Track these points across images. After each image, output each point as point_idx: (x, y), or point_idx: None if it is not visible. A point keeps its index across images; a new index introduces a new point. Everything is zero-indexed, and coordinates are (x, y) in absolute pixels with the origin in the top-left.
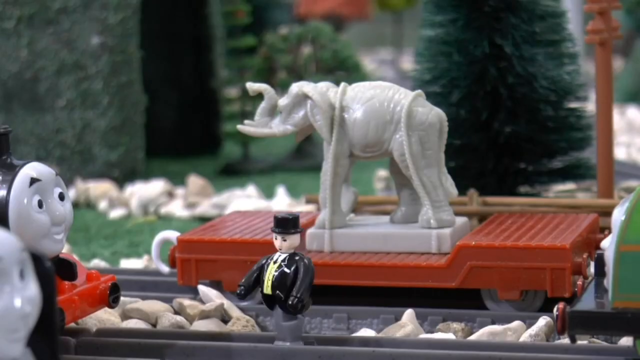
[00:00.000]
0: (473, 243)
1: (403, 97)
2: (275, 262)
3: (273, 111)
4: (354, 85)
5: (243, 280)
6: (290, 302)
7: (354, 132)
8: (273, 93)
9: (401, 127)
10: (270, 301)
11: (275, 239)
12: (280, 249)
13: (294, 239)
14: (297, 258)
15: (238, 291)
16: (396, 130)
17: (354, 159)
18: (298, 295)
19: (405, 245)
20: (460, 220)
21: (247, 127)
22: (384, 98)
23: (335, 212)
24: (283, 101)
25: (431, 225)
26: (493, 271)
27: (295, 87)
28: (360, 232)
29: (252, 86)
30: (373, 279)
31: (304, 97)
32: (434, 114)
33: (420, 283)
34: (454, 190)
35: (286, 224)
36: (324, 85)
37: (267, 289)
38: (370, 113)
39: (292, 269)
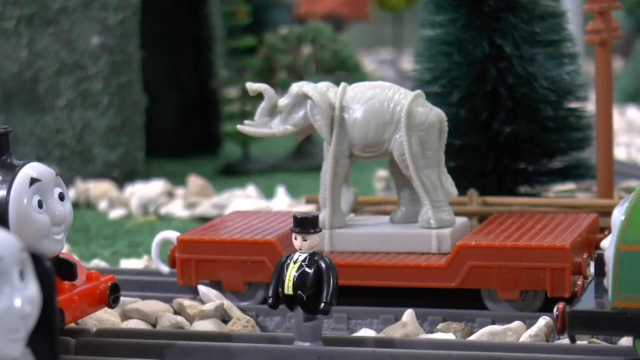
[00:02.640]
0: (473, 243)
1: (403, 97)
2: (295, 262)
3: (273, 111)
4: (354, 85)
5: (270, 291)
6: (322, 308)
7: (353, 132)
8: (273, 93)
9: (401, 127)
10: (290, 302)
11: (295, 239)
12: (300, 249)
13: (314, 239)
14: (316, 258)
15: (269, 302)
16: (396, 130)
17: (354, 159)
18: (328, 301)
19: (405, 246)
20: (460, 221)
21: (246, 127)
22: (384, 98)
23: (335, 212)
24: (283, 101)
25: (431, 226)
26: (493, 271)
27: (295, 87)
28: (360, 232)
29: (252, 86)
30: (373, 279)
31: (304, 97)
32: (434, 114)
33: (420, 283)
34: (454, 190)
35: (307, 223)
36: (324, 85)
37: (288, 289)
38: (370, 113)
39: (313, 268)
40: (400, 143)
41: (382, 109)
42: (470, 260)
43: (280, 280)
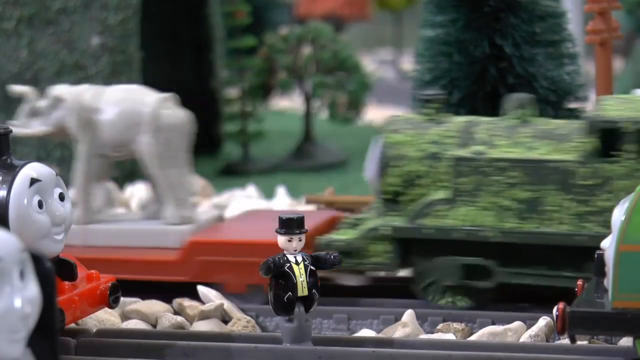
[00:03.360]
0: (202, 238)
1: (151, 100)
2: (297, 264)
3: (34, 112)
4: (107, 87)
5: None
6: (332, 257)
7: (104, 132)
8: (34, 95)
9: (147, 128)
10: (308, 302)
11: (290, 240)
12: (295, 250)
13: (305, 237)
14: (307, 255)
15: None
16: (143, 131)
17: (106, 159)
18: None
19: (148, 241)
20: (205, 217)
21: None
22: (134, 100)
23: (88, 209)
24: (42, 103)
25: (172, 222)
26: (222, 265)
27: (53, 90)
28: (110, 228)
29: (14, 88)
30: (118, 272)
31: (59, 99)
32: (178, 116)
33: (158, 277)
34: (194, 189)
35: (302, 223)
36: (81, 87)
37: (304, 290)
38: (120, 115)
39: (312, 265)
40: (146, 143)
41: (131, 110)
42: (200, 255)
43: (287, 286)
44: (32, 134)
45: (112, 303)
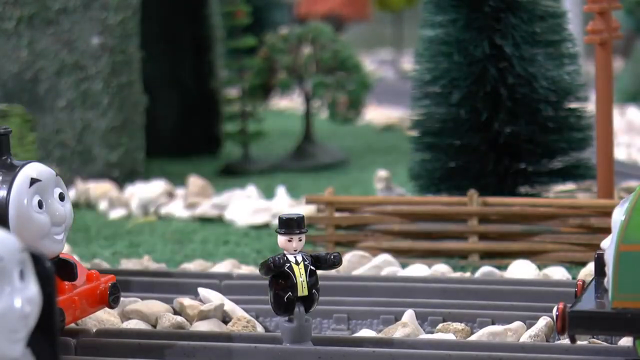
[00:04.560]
0: None
1: None
2: (297, 264)
3: None
4: None
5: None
6: (332, 257)
7: None
8: None
9: None
10: (308, 302)
11: (290, 240)
12: (296, 250)
13: (304, 237)
14: (307, 255)
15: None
16: None
17: None
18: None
19: None
20: None
21: None
22: None
23: None
24: None
25: None
26: None
27: None
28: None
29: None
30: None
31: None
32: None
33: None
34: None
35: (302, 223)
36: None
37: (304, 290)
38: None
39: (312, 265)
40: None
41: None
42: None
43: (287, 286)
44: None
45: (112, 303)
